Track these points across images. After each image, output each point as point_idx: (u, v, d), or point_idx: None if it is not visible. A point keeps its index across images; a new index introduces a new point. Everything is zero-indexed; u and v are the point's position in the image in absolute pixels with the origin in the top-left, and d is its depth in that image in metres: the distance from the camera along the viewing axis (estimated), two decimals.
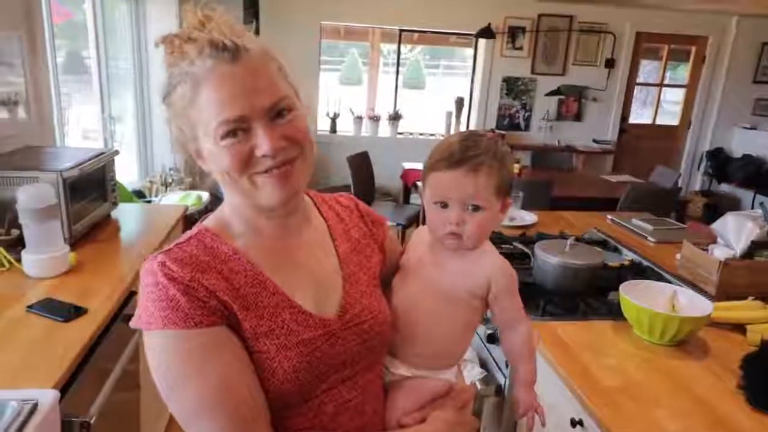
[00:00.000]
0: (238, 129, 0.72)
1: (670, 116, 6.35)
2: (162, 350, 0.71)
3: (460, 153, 0.88)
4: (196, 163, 0.79)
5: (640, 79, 6.01)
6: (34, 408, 1.00)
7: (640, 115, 6.23)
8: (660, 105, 6.22)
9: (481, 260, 0.94)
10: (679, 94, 6.25)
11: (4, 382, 1.10)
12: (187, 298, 0.70)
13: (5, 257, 1.62)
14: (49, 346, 1.25)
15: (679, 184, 4.46)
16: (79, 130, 3.50)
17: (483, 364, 1.72)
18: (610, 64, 5.69)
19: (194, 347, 0.70)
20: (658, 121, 6.27)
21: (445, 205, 0.90)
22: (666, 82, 6.17)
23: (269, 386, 0.73)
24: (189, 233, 0.79)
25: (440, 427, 0.87)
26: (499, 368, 1.67)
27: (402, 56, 5.78)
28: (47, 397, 1.05)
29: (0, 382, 1.10)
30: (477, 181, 0.87)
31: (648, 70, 6.12)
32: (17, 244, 1.64)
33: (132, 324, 0.73)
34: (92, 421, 1.18)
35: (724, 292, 1.71)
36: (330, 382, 0.79)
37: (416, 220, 4.05)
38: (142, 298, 0.72)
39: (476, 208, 0.89)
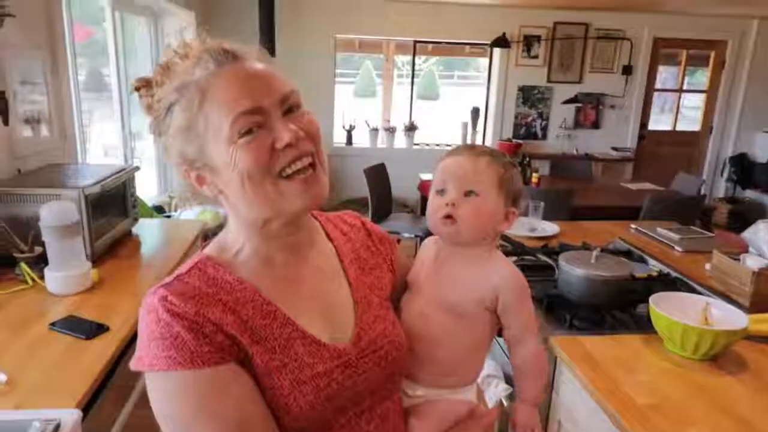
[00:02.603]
0: (253, 125, 0.68)
1: (690, 122, 6.25)
2: (168, 393, 0.66)
3: (466, 146, 0.95)
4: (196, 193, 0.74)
5: (658, 85, 5.93)
6: (57, 428, 1.00)
7: (659, 122, 6.15)
8: (679, 111, 6.13)
9: (488, 269, 0.91)
10: (698, 100, 6.15)
11: (27, 402, 1.10)
12: (192, 335, 0.65)
13: (28, 274, 1.63)
14: (72, 364, 1.24)
15: (703, 191, 4.37)
16: (99, 147, 3.55)
17: (509, 380, 1.68)
18: (627, 70, 5.63)
19: (203, 388, 0.65)
20: (678, 127, 6.17)
21: (444, 192, 0.91)
22: (684, 87, 6.09)
23: (284, 424, 0.69)
24: (190, 262, 0.74)
25: None
26: None
27: (416, 67, 5.78)
28: (70, 417, 1.04)
29: (23, 402, 1.10)
30: (476, 165, 0.90)
31: (665, 76, 6.04)
32: (40, 261, 1.64)
33: (132, 366, 0.68)
34: None
35: (759, 304, 1.66)
36: (348, 416, 0.74)
37: None
38: (143, 336, 0.67)
39: (472, 193, 0.89)
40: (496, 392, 1.59)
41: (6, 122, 1.90)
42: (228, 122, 0.67)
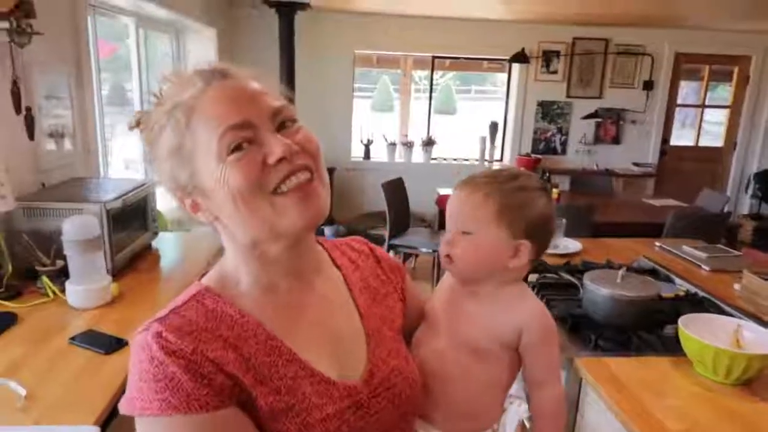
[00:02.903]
0: (244, 141, 0.63)
1: (713, 137, 6.16)
2: None
3: (474, 175, 0.89)
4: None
5: (679, 101, 5.86)
6: None
7: (681, 137, 6.06)
8: (702, 126, 6.04)
9: (513, 306, 0.86)
10: (721, 115, 6.06)
11: (46, 417, 1.09)
12: (189, 376, 0.59)
13: (50, 287, 1.64)
14: (91, 379, 1.24)
15: (727, 208, 4.28)
16: (121, 161, 3.59)
17: None
18: (648, 85, 5.58)
19: None
20: (701, 143, 6.08)
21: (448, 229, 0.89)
22: (707, 102, 6.00)
23: None
24: (186, 294, 0.68)
25: None
26: None
27: (433, 82, 5.79)
28: None
29: (42, 417, 1.09)
30: (472, 201, 0.85)
31: (686, 92, 5.97)
32: (62, 275, 1.65)
33: (122, 409, 0.61)
34: None
35: None
36: None
37: None
38: (134, 377, 0.61)
39: (467, 232, 0.85)
40: (518, 412, 1.54)
41: (32, 137, 1.93)
42: (216, 137, 0.63)
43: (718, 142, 6.07)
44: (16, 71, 1.81)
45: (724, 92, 6.05)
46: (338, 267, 0.81)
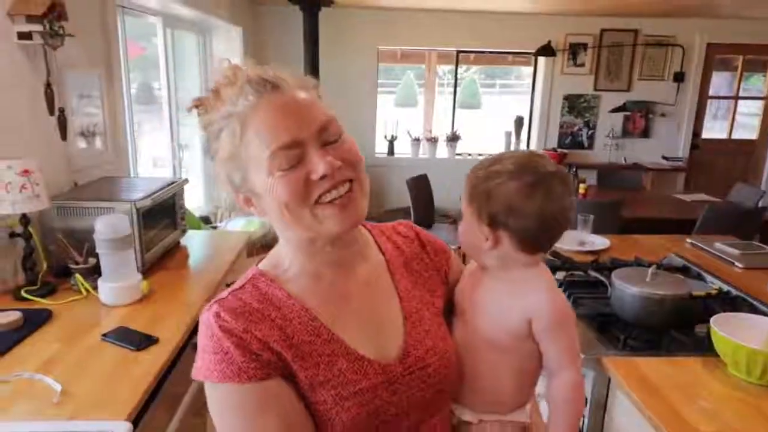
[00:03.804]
0: (292, 158, 0.69)
1: (747, 130, 5.97)
2: (219, 403, 0.70)
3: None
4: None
5: (711, 92, 5.70)
6: None
7: (713, 130, 5.90)
8: (735, 118, 5.87)
9: (519, 293, 0.84)
10: (755, 107, 5.87)
11: (80, 413, 1.12)
12: (240, 352, 0.68)
13: (83, 285, 1.68)
14: (122, 375, 1.27)
15: (762, 203, 4.15)
16: (149, 158, 3.66)
17: None
18: (679, 77, 5.44)
19: (249, 402, 0.68)
20: (734, 136, 5.91)
21: None
22: (741, 93, 5.82)
23: None
24: (244, 277, 0.78)
25: None
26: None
27: (458, 76, 5.74)
28: (121, 429, 1.06)
29: (76, 413, 1.12)
30: (464, 187, 0.87)
31: (718, 82, 5.79)
32: (94, 272, 1.69)
33: (192, 375, 0.72)
34: None
35: None
36: (394, 430, 0.75)
37: None
38: (200, 349, 0.71)
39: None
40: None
41: (64, 137, 1.97)
42: (266, 155, 0.69)
43: (752, 135, 5.89)
44: (50, 73, 1.86)
45: (759, 82, 5.86)
46: (382, 252, 0.86)
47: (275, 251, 0.80)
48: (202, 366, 0.70)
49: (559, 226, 0.84)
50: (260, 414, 0.68)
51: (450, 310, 0.91)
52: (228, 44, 4.36)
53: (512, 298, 0.84)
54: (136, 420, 1.16)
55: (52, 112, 1.89)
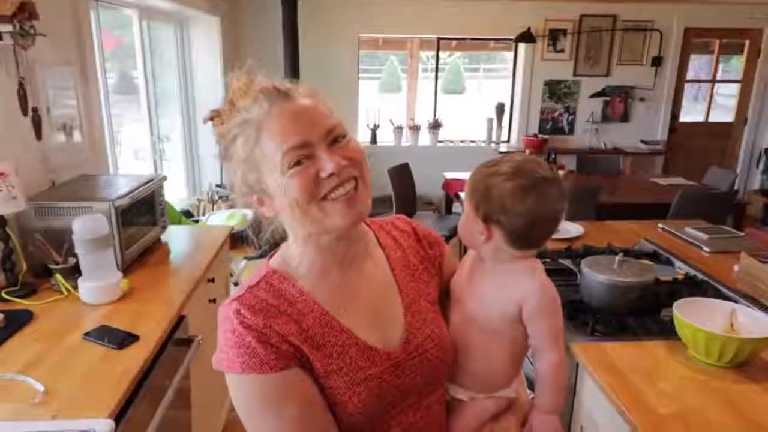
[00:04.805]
0: (302, 157, 0.76)
1: (724, 112, 6.07)
2: (242, 392, 0.77)
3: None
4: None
5: (690, 75, 5.78)
6: None
7: (691, 111, 5.98)
8: (713, 100, 5.95)
9: (512, 283, 0.92)
10: (733, 88, 5.96)
11: (63, 412, 1.15)
12: (262, 345, 0.75)
13: (63, 285, 1.70)
14: (104, 374, 1.30)
15: (736, 185, 4.25)
16: (131, 149, 3.64)
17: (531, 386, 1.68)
18: (657, 62, 5.50)
19: (271, 390, 0.76)
20: (711, 119, 6.00)
21: None
22: (719, 74, 5.90)
23: (341, 417, 0.79)
24: (258, 275, 0.84)
25: None
26: None
27: (441, 61, 5.75)
28: (103, 427, 1.09)
29: (59, 412, 1.15)
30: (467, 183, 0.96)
31: (698, 64, 5.87)
32: (75, 272, 1.71)
33: (214, 365, 0.79)
34: None
35: None
36: (398, 409, 0.84)
37: None
38: (221, 341, 0.78)
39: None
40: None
41: (39, 137, 1.97)
42: (279, 155, 0.76)
43: (729, 117, 5.99)
44: (21, 73, 1.85)
45: (737, 64, 5.93)
46: (383, 247, 0.94)
47: (285, 249, 0.87)
48: (225, 358, 0.76)
49: (548, 227, 0.93)
50: (282, 401, 0.75)
51: (445, 298, 0.99)
52: (206, 35, 4.33)
53: (506, 285, 0.92)
54: (118, 417, 1.19)
55: (25, 113, 1.88)
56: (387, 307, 0.88)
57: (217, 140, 0.84)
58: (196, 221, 3.63)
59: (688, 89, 5.86)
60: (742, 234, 2.41)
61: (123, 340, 1.42)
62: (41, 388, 1.21)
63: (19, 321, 1.52)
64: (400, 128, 5.65)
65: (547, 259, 1.99)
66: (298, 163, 0.76)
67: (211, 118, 0.84)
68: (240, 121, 0.79)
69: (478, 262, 0.98)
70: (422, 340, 0.87)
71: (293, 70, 4.63)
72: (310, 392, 0.78)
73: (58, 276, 1.70)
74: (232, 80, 0.82)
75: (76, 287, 1.67)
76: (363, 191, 0.80)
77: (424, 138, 5.73)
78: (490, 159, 0.96)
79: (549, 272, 1.87)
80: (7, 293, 1.66)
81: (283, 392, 0.76)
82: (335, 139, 0.79)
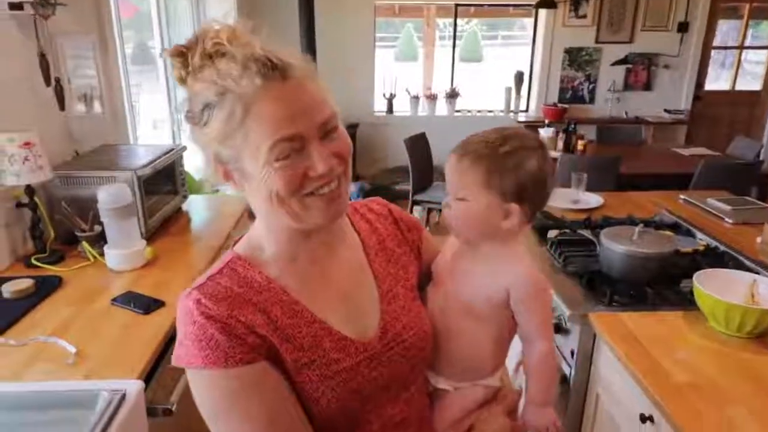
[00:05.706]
0: (292, 151, 0.68)
1: (751, 80, 5.88)
2: (205, 389, 0.70)
3: (465, 141, 0.89)
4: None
5: (717, 41, 5.59)
6: (123, 397, 1.09)
7: (717, 79, 5.80)
8: (741, 67, 5.75)
9: (501, 268, 0.88)
10: (762, 55, 5.74)
11: (94, 373, 1.20)
12: (225, 337, 0.68)
13: (90, 252, 1.74)
14: (132, 337, 1.35)
15: (762, 156, 4.15)
16: (149, 120, 3.66)
17: None
18: (683, 27, 5.33)
19: (236, 386, 0.69)
20: (738, 87, 5.83)
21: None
22: (747, 40, 5.69)
23: (314, 413, 0.73)
24: (221, 262, 0.77)
25: None
26: (564, 357, 1.65)
27: (458, 28, 5.64)
28: (133, 387, 1.13)
29: (91, 373, 1.20)
30: (460, 169, 0.87)
31: (725, 29, 5.66)
32: (100, 239, 1.75)
33: (173, 361, 0.72)
34: (173, 408, 1.26)
35: None
36: (375, 403, 0.78)
37: None
38: (181, 335, 0.71)
39: (462, 198, 0.87)
40: (518, 353, 1.61)
41: (62, 107, 2.00)
42: (267, 146, 0.67)
43: (757, 86, 5.81)
44: (43, 44, 1.86)
45: None
46: (357, 232, 0.88)
47: (250, 233, 0.80)
48: (185, 353, 0.69)
49: (552, 187, 0.90)
50: (248, 398, 0.69)
51: (426, 283, 0.93)
52: (221, 4, 4.28)
53: (495, 270, 0.88)
54: (147, 378, 1.24)
55: (48, 83, 1.90)
56: (362, 296, 0.82)
57: (184, 90, 0.71)
58: (216, 191, 3.67)
59: (715, 56, 5.68)
60: (766, 205, 2.37)
61: (149, 305, 1.47)
62: (73, 350, 1.26)
63: (49, 286, 1.57)
64: (416, 98, 5.58)
65: (567, 230, 1.98)
66: (286, 156, 0.68)
67: (176, 56, 0.70)
68: (220, 89, 0.67)
69: (463, 245, 0.93)
70: (400, 329, 0.81)
71: (309, 39, 4.58)
72: (280, 388, 0.71)
73: (85, 243, 1.74)
74: (212, 25, 0.70)
75: (102, 254, 1.72)
76: (345, 187, 0.74)
77: (441, 107, 5.66)
78: (476, 136, 0.89)
79: (569, 242, 1.92)
80: (37, 259, 1.71)
81: (250, 389, 0.69)
82: (328, 131, 0.71)
